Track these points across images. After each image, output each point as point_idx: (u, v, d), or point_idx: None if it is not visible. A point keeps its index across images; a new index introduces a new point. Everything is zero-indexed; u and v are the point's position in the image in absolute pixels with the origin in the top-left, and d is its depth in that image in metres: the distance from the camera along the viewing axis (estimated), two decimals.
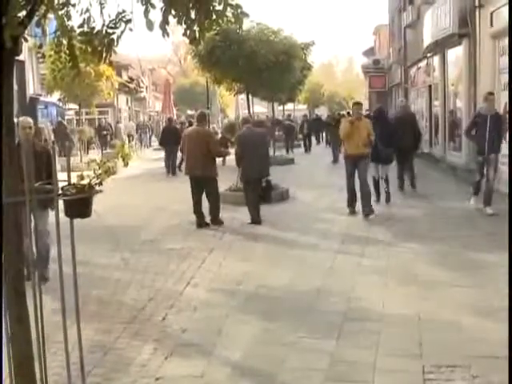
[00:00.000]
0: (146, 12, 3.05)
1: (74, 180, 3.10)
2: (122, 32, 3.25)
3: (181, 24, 3.19)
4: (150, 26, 3.07)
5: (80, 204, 3.04)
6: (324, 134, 32.53)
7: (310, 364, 4.23)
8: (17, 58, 2.95)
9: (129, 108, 44.03)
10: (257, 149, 9.49)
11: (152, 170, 19.88)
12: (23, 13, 2.91)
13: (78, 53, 3.39)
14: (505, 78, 11.53)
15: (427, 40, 17.13)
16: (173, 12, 3.11)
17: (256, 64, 13.43)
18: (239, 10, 3.20)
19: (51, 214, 3.01)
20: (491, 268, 6.43)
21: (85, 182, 3.08)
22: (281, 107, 34.75)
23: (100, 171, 3.11)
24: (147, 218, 10.32)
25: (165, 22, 3.11)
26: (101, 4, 3.26)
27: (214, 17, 3.18)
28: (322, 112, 46.49)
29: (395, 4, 27.35)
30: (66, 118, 28.65)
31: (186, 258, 7.40)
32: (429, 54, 18.50)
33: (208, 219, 9.55)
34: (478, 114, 9.74)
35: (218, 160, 10.49)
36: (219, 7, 3.15)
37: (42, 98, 26.38)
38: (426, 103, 20.10)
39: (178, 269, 6.93)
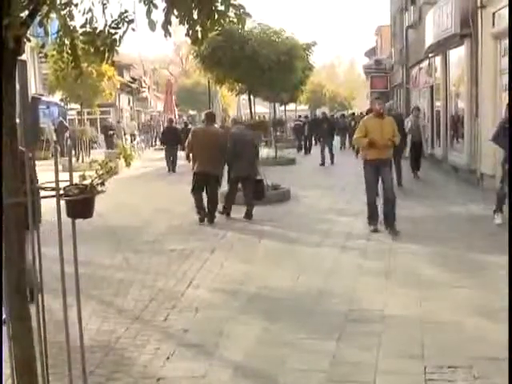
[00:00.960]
0: (149, 12, 3.05)
1: (75, 180, 3.10)
2: (125, 32, 3.26)
3: (183, 24, 3.18)
4: (152, 26, 3.08)
5: (82, 204, 3.04)
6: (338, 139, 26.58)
7: (311, 365, 4.22)
8: (19, 57, 2.95)
9: (130, 108, 44.06)
10: (244, 148, 9.84)
11: (154, 171, 19.98)
12: (25, 13, 2.91)
13: (80, 53, 3.39)
14: (507, 78, 11.49)
15: (429, 40, 17.09)
16: (175, 12, 3.11)
17: (258, 64, 13.40)
18: (242, 11, 3.19)
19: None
20: (493, 269, 6.43)
21: (87, 182, 3.08)
22: (282, 107, 34.70)
23: (102, 171, 3.10)
24: (149, 219, 10.33)
25: (167, 23, 3.10)
26: (103, 4, 3.26)
27: (217, 17, 3.17)
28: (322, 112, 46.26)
29: (397, 4, 27.33)
30: (68, 117, 28.61)
31: (187, 259, 7.40)
32: (431, 55, 18.46)
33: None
34: (506, 119, 9.63)
35: None
36: (221, 7, 3.14)
37: (44, 98, 26.43)
38: (428, 104, 20.06)
39: (179, 269, 6.93)
